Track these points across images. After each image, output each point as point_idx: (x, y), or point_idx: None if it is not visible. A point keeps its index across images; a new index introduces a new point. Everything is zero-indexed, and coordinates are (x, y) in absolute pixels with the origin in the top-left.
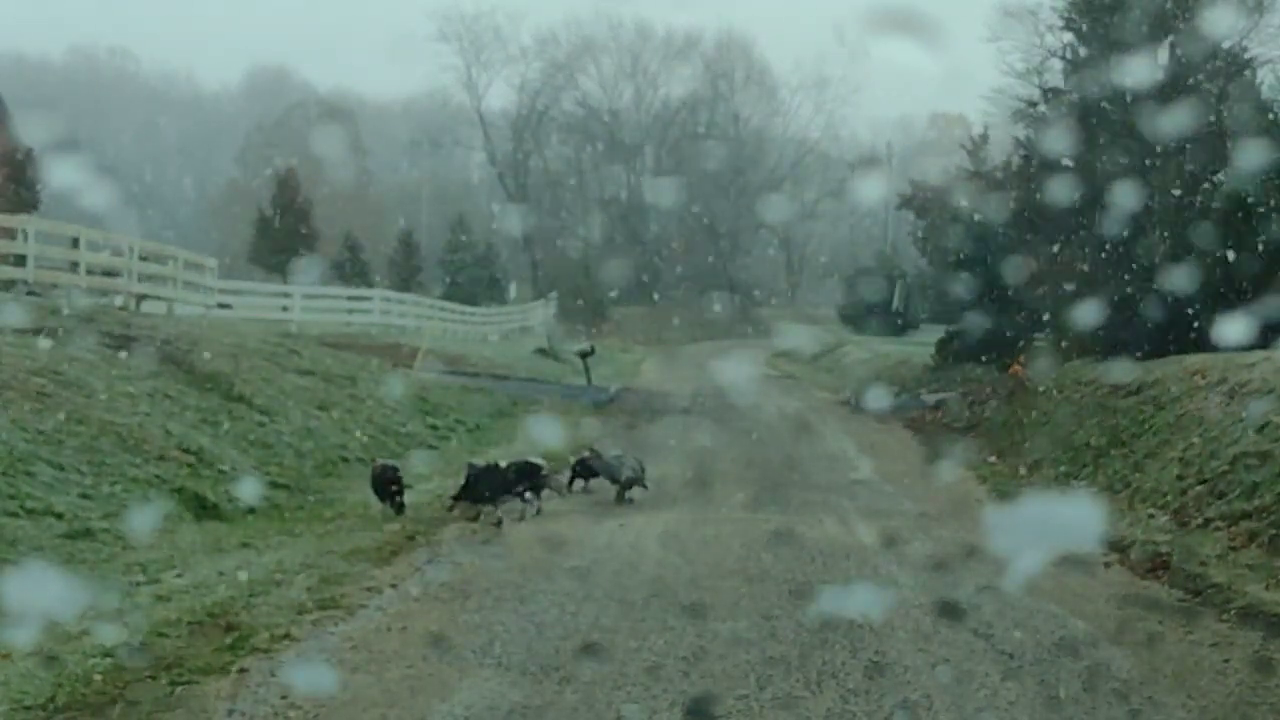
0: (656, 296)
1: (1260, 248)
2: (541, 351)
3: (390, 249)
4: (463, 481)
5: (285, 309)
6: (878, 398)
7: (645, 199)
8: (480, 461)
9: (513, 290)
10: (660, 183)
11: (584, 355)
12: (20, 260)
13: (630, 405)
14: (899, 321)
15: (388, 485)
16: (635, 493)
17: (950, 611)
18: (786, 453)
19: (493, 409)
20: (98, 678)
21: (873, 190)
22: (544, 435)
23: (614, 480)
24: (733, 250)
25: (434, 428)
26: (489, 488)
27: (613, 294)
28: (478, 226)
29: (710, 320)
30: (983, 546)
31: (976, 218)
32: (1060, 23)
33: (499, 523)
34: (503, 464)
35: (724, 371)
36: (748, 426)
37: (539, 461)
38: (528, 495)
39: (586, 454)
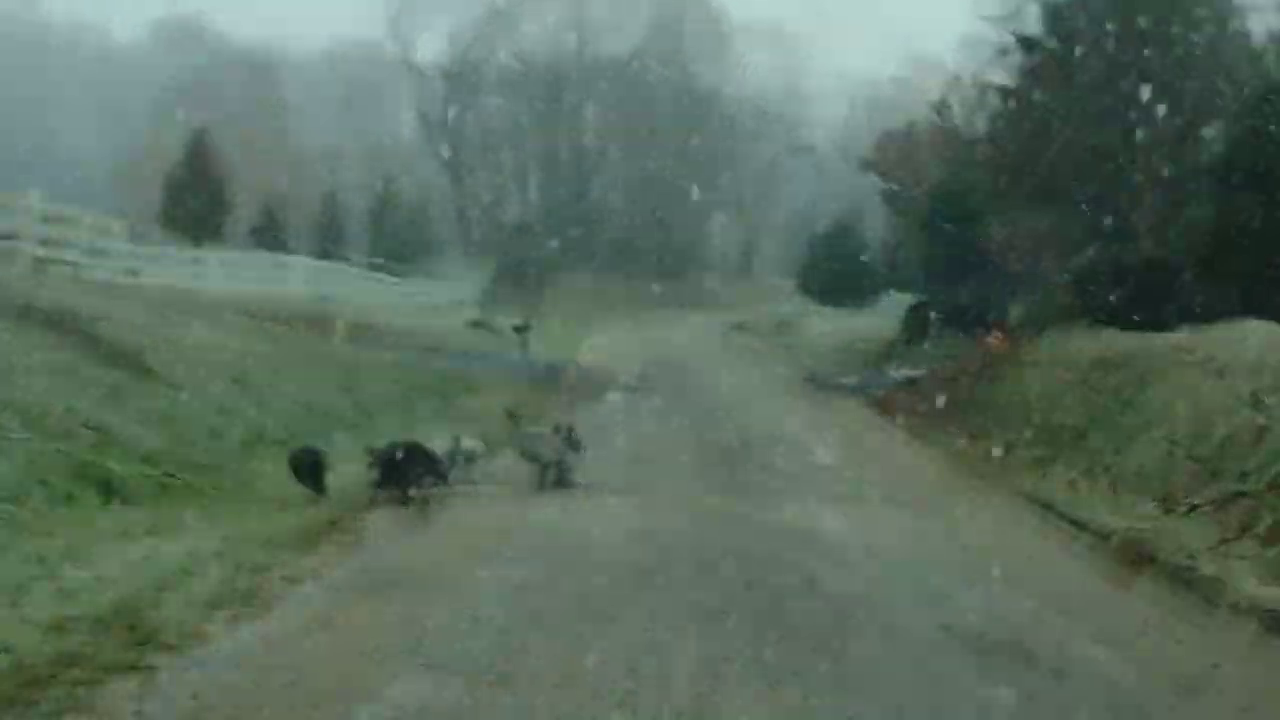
0: (601, 265)
1: (1257, 210)
2: (476, 324)
3: (313, 213)
4: (373, 463)
5: (199, 276)
6: (841, 374)
7: (589, 160)
8: (383, 443)
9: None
10: (605, 143)
11: (520, 329)
12: None
13: (572, 382)
14: (865, 291)
15: (308, 467)
16: (578, 475)
17: (918, 605)
18: (742, 434)
19: (422, 385)
20: None
21: (836, 148)
22: (477, 413)
23: (534, 461)
24: (685, 215)
25: (359, 405)
26: (411, 469)
27: (553, 262)
28: (407, 189)
29: (660, 290)
30: (953, 534)
31: (946, 178)
32: None
33: (425, 503)
34: (408, 444)
35: (674, 346)
36: (700, 405)
37: (424, 444)
38: (425, 481)
39: (514, 428)
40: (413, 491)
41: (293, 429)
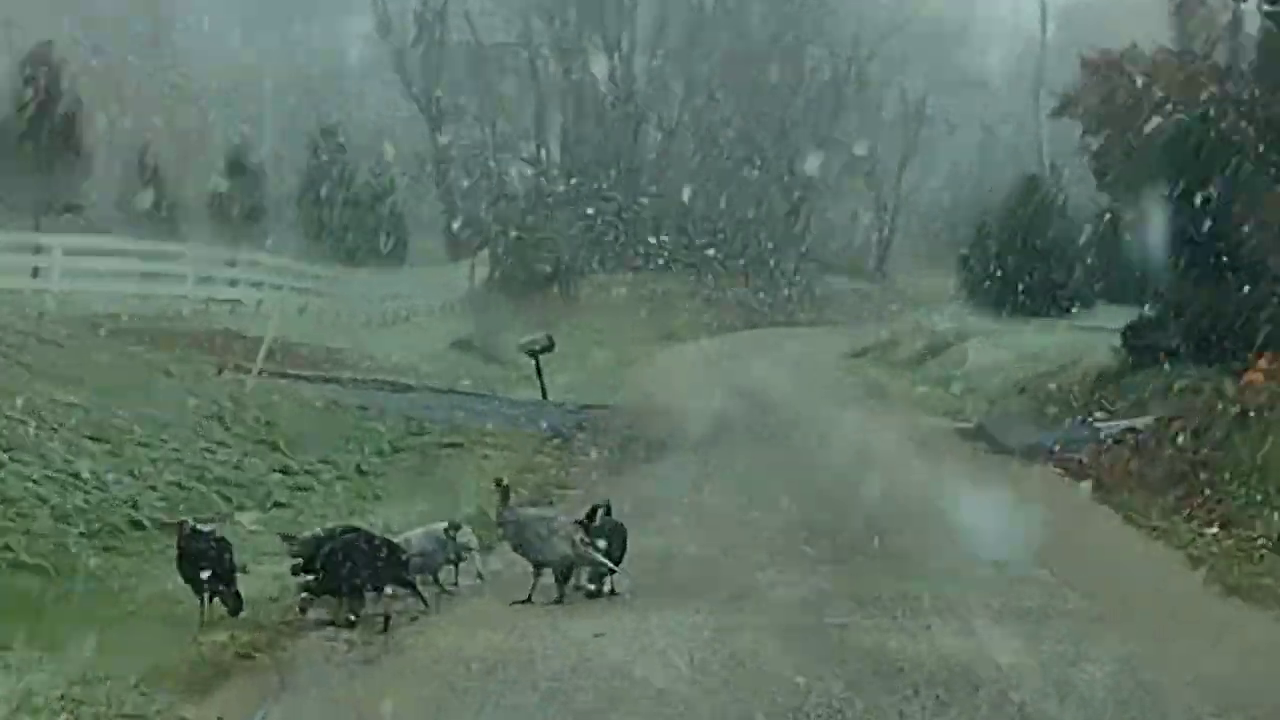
0: (656, 258)
1: None
2: (466, 344)
3: (215, 177)
4: (297, 560)
5: (37, 273)
6: (1023, 426)
7: (636, 98)
8: (312, 530)
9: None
10: (661, 71)
11: (536, 352)
12: None
13: (614, 435)
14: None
15: (206, 564)
16: (618, 581)
17: None
18: (870, 516)
19: (384, 441)
20: None
21: (1015, 84)
22: (468, 487)
23: (536, 564)
24: (783, 184)
25: (286, 471)
26: (361, 571)
27: (583, 252)
28: (360, 141)
29: (744, 298)
30: (1205, 677)
31: (1183, 131)
32: None
33: (385, 627)
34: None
35: (766, 381)
36: (805, 475)
37: (388, 538)
38: (387, 590)
39: (501, 506)
40: (367, 606)
41: (184, 506)
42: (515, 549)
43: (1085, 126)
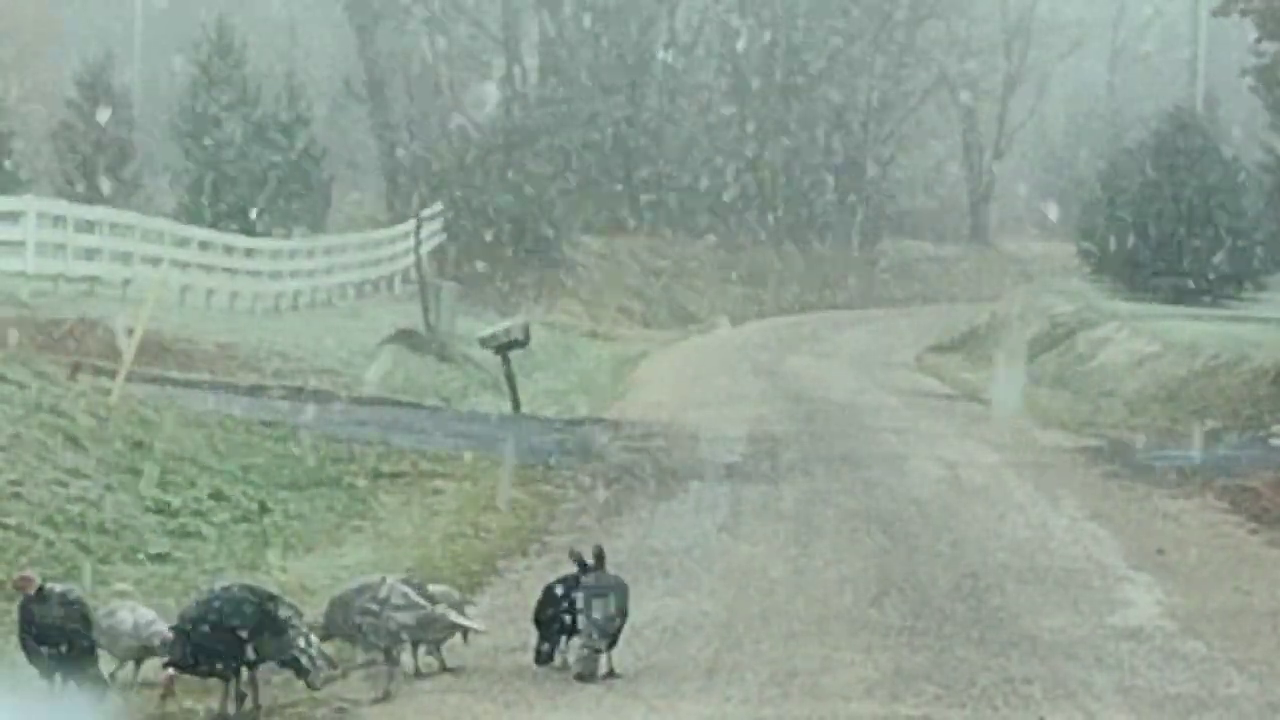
0: (671, 216)
1: None
2: (409, 336)
3: (65, 109)
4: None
5: None
6: (1173, 444)
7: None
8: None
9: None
10: None
11: (505, 347)
12: None
13: (612, 461)
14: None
15: (60, 639)
16: (619, 658)
17: None
18: (961, 570)
19: (300, 469)
20: None
21: None
22: (408, 534)
23: (385, 652)
24: (843, 119)
25: (164, 510)
26: (243, 646)
27: (570, 208)
28: (267, 60)
29: (796, 269)
30: None
31: None
32: None
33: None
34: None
35: (820, 387)
36: (874, 513)
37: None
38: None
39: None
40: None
41: (26, 559)
42: (351, 642)
43: (1261, 29)
